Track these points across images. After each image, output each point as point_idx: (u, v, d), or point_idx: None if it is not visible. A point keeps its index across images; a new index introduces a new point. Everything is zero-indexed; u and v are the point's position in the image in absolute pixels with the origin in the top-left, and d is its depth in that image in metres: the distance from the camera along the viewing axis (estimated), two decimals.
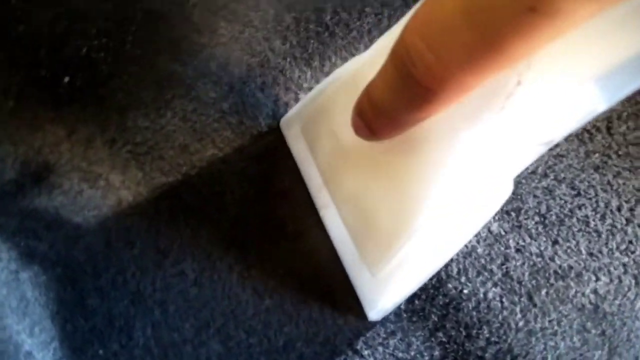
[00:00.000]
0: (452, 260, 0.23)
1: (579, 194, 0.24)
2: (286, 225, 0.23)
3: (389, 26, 0.26)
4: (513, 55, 0.11)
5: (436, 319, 0.22)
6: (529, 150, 0.16)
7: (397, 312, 0.22)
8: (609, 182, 0.24)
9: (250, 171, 0.24)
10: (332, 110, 0.20)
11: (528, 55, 0.11)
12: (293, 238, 0.23)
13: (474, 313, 0.22)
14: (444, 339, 0.22)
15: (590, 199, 0.24)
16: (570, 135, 0.24)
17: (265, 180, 0.24)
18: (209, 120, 0.25)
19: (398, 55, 0.13)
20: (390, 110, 0.14)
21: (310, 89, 0.25)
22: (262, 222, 0.23)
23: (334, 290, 0.22)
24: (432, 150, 0.16)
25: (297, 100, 0.25)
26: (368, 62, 0.18)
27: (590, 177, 0.24)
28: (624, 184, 0.24)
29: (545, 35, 0.10)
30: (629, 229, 0.23)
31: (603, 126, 0.24)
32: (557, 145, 0.24)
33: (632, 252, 0.23)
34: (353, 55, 0.26)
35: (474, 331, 0.22)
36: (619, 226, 0.23)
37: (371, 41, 0.26)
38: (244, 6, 0.27)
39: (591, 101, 0.14)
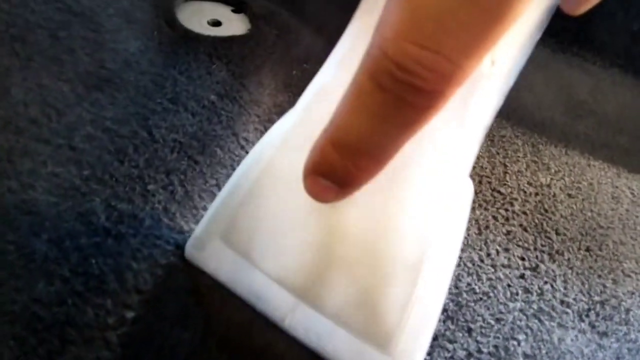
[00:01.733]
0: None
1: None
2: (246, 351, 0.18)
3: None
4: (513, 19, 0.10)
5: None
6: (479, 139, 0.16)
7: None
8: None
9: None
10: (273, 189, 0.17)
11: (519, 18, 0.10)
12: None
13: None
14: None
15: None
16: None
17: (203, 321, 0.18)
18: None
19: (384, 73, 0.11)
20: (376, 145, 0.12)
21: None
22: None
23: None
24: (413, 176, 0.15)
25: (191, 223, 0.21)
26: (304, 119, 0.16)
27: None
28: None
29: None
30: None
31: None
32: None
33: None
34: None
35: None
36: None
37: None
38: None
39: (514, 75, 0.16)
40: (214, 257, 0.19)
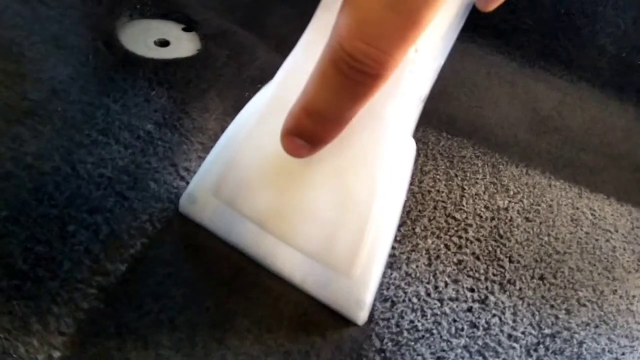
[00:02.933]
0: None
1: None
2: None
3: None
4: (424, 26, 0.15)
5: None
6: (417, 108, 0.22)
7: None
8: None
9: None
10: (255, 150, 0.21)
11: (430, 23, 0.15)
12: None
13: None
14: None
15: None
16: None
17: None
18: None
19: (342, 61, 0.16)
20: (338, 112, 0.17)
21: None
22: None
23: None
24: (363, 137, 0.20)
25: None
26: (277, 93, 0.21)
27: None
28: None
29: (440, 6, 0.15)
30: None
31: None
32: None
33: None
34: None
35: None
36: None
37: None
38: None
39: (440, 57, 0.22)
40: (205, 209, 0.23)
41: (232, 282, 0.22)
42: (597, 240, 0.33)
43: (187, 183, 0.25)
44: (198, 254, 0.23)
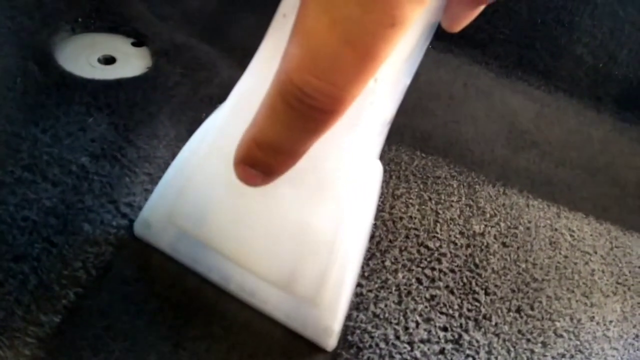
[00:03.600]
0: None
1: None
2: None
3: None
4: (383, 59, 0.14)
5: None
6: (382, 132, 0.21)
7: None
8: None
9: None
10: (209, 175, 0.21)
11: (389, 56, 0.14)
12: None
13: None
14: None
15: None
16: None
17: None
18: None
19: (291, 96, 0.15)
20: (290, 146, 0.16)
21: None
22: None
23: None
24: (325, 164, 0.19)
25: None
26: (231, 115, 0.20)
27: None
28: None
29: (399, 39, 0.14)
30: None
31: None
32: None
33: None
34: None
35: None
36: None
37: None
38: None
39: (405, 79, 0.20)
40: (162, 234, 0.22)
41: (177, 334, 0.20)
42: (575, 264, 0.32)
43: (131, 221, 0.23)
44: (138, 303, 0.20)
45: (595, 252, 0.33)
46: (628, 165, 0.44)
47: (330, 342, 0.22)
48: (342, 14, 0.13)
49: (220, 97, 0.31)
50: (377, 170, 0.24)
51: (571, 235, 0.34)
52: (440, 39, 0.48)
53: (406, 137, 0.36)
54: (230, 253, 0.21)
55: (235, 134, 0.17)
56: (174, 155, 0.27)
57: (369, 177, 0.22)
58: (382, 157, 0.33)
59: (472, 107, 0.43)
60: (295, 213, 0.20)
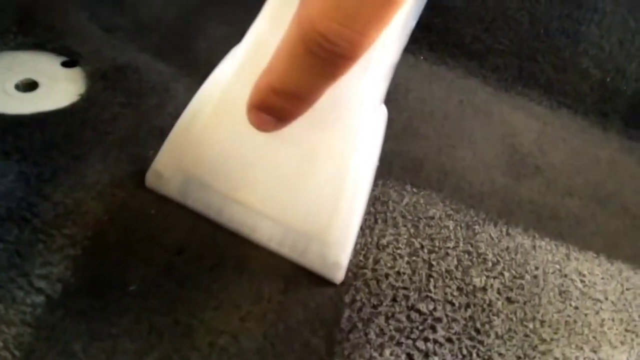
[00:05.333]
0: None
1: None
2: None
3: None
4: (402, 4, 0.15)
5: None
6: (388, 76, 0.22)
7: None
8: None
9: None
10: (222, 122, 0.21)
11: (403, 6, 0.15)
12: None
13: None
14: None
15: None
16: None
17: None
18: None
19: (314, 42, 0.15)
20: (307, 91, 0.17)
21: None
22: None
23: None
24: (335, 107, 0.20)
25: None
26: (245, 61, 0.20)
27: None
28: None
29: None
30: None
31: None
32: None
33: None
34: None
35: None
36: None
37: None
38: None
39: (411, 22, 0.21)
40: (173, 183, 0.22)
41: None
42: (586, 315, 0.28)
43: (48, 296, 0.18)
44: None
45: (606, 298, 0.29)
46: (638, 190, 0.41)
47: (339, 275, 0.23)
48: None
49: (172, 127, 0.26)
50: (382, 114, 0.25)
51: (582, 281, 0.30)
52: (434, 50, 0.43)
53: (395, 168, 0.31)
54: (242, 196, 0.22)
55: (249, 80, 0.17)
56: (105, 208, 0.22)
57: (375, 121, 0.23)
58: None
59: (469, 128, 0.38)
60: (305, 154, 0.21)
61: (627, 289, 0.31)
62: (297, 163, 0.21)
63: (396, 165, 0.32)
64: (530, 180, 0.36)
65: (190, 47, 0.33)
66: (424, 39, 0.43)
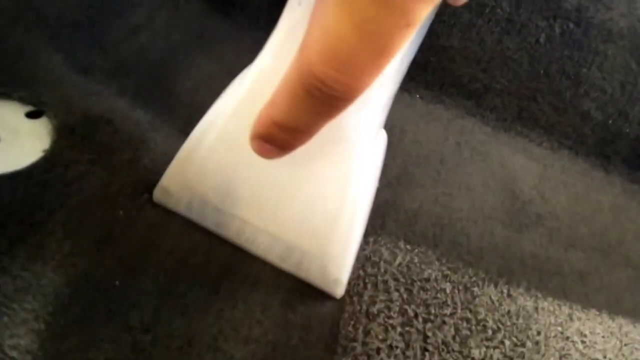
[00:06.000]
0: None
1: None
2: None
3: None
4: (396, 54, 0.16)
5: None
6: (387, 105, 0.24)
7: None
8: None
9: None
10: (228, 145, 0.22)
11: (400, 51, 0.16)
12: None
13: None
14: None
15: None
16: None
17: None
18: None
19: (312, 86, 0.16)
20: (307, 126, 0.18)
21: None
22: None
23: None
24: (336, 134, 0.21)
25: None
26: (250, 91, 0.21)
27: None
28: None
29: (412, 36, 0.16)
30: None
31: None
32: None
33: None
34: None
35: None
36: None
37: None
38: None
39: (409, 57, 0.23)
40: (180, 200, 0.24)
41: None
42: None
43: None
44: None
45: (605, 357, 0.27)
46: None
47: (339, 291, 0.24)
48: (363, 17, 0.14)
49: (147, 184, 0.24)
50: (382, 138, 0.28)
51: (582, 342, 0.28)
52: (430, 88, 0.42)
53: (388, 221, 0.29)
54: (246, 215, 0.23)
55: (253, 109, 0.19)
56: (67, 280, 0.20)
57: (375, 144, 0.25)
58: (356, 258, 0.26)
59: (467, 173, 0.36)
60: (306, 176, 0.22)
61: (625, 345, 0.29)
62: (298, 184, 0.22)
63: (390, 218, 0.30)
64: (532, 231, 0.34)
65: (173, 89, 0.32)
66: (420, 77, 0.42)
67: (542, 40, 0.39)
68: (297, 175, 0.22)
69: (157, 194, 0.24)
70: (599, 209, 0.39)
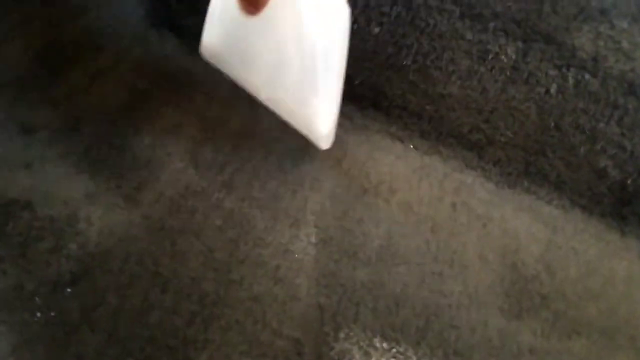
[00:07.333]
0: None
1: None
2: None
3: None
4: None
5: None
6: None
7: None
8: None
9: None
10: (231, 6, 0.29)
11: None
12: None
13: None
14: None
15: None
16: None
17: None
18: None
19: None
20: None
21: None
22: None
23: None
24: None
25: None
26: None
27: None
28: None
29: None
30: None
31: None
32: None
33: None
34: None
35: None
36: None
37: None
38: None
39: None
40: (218, 54, 0.31)
41: None
42: None
43: None
44: None
45: None
46: None
47: (322, 144, 0.32)
48: None
49: (76, 276, 0.21)
50: (345, 9, 0.31)
51: None
52: (425, 138, 0.38)
53: (364, 310, 0.25)
54: (250, 75, 0.31)
55: None
56: None
57: (341, 13, 0.31)
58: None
59: (462, 244, 0.32)
60: (289, 39, 0.28)
61: None
62: (282, 48, 0.28)
63: (366, 306, 0.26)
64: (533, 317, 0.30)
65: (130, 146, 0.28)
66: (415, 125, 0.38)
67: (552, 91, 0.35)
68: (282, 37, 0.28)
69: (204, 49, 0.31)
70: (611, 282, 0.35)
